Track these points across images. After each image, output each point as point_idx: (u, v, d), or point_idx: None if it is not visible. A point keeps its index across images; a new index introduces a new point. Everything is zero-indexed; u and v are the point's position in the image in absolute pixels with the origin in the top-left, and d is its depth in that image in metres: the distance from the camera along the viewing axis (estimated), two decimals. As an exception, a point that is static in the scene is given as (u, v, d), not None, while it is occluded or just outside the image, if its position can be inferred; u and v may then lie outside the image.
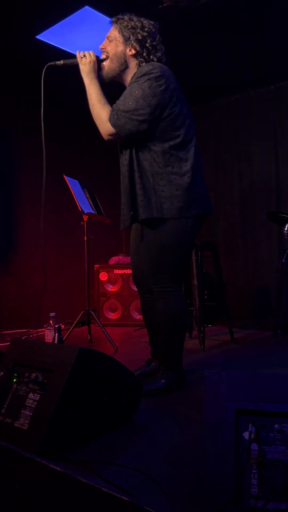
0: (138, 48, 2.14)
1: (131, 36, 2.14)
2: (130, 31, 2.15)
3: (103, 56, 2.21)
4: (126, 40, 2.16)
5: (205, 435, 1.10)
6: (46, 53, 3.71)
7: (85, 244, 3.70)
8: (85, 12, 3.16)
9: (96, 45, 3.50)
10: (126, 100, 2.05)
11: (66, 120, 4.96)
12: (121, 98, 2.10)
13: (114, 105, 2.11)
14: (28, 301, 4.55)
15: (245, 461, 1.03)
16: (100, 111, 2.12)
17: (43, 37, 3.48)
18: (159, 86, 2.04)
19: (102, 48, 2.23)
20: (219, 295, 3.70)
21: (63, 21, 3.27)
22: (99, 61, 2.19)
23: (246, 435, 1.07)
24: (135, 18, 2.19)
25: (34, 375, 1.62)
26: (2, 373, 1.72)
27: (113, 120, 2.07)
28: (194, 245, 3.36)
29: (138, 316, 4.64)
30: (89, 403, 1.61)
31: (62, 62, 2.23)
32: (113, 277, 4.72)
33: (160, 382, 2.21)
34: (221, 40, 3.65)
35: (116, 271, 4.71)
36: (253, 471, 1.02)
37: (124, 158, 2.20)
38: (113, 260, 4.81)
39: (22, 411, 1.56)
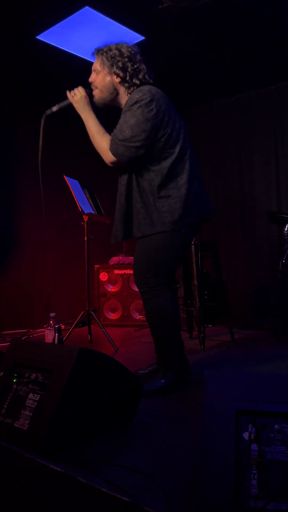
0: (121, 75, 2.26)
1: (114, 65, 2.26)
2: (111, 61, 2.27)
3: (93, 89, 2.33)
4: (110, 69, 2.27)
5: (205, 436, 1.10)
6: (46, 53, 3.71)
7: (85, 244, 3.70)
8: (85, 12, 3.16)
9: (96, 46, 3.51)
10: (122, 129, 2.16)
11: (66, 120, 4.96)
12: (118, 127, 2.20)
13: (112, 134, 2.21)
14: (28, 302, 4.55)
15: (245, 461, 1.03)
16: (100, 142, 2.24)
17: (44, 37, 3.48)
18: (151, 111, 2.14)
19: (91, 82, 2.35)
20: (219, 295, 3.70)
21: (63, 21, 3.27)
22: (89, 94, 2.33)
23: (246, 435, 1.07)
24: (113, 47, 2.29)
25: (34, 375, 1.62)
26: (2, 373, 1.72)
27: (113, 149, 2.18)
28: (188, 248, 3.41)
29: (138, 317, 4.64)
30: (89, 403, 1.61)
31: (57, 107, 2.39)
32: (113, 277, 4.72)
33: (159, 382, 2.23)
34: (221, 40, 3.65)
35: (116, 271, 4.71)
36: (253, 471, 1.02)
37: (123, 178, 2.28)
38: (113, 260, 4.81)
39: (22, 412, 1.56)
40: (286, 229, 3.46)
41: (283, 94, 4.39)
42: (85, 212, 3.61)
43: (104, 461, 1.45)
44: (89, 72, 2.38)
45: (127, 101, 2.21)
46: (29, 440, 1.47)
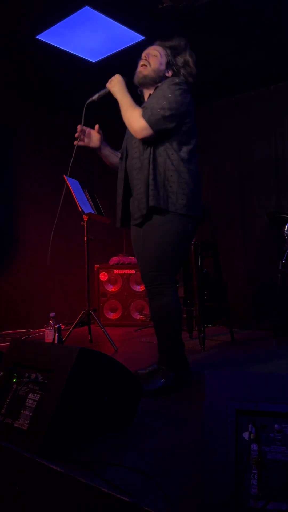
0: (174, 73, 2.44)
1: (173, 66, 2.44)
2: (172, 61, 2.44)
3: (145, 64, 2.41)
4: (168, 65, 2.43)
5: (205, 436, 1.10)
6: (46, 53, 3.71)
7: (85, 244, 3.70)
8: (85, 12, 3.15)
9: (96, 45, 3.50)
10: (159, 101, 2.26)
11: (66, 119, 4.96)
12: (153, 99, 2.30)
13: (146, 104, 2.32)
14: (28, 302, 4.55)
15: (245, 461, 1.03)
16: (133, 111, 2.30)
17: (43, 37, 3.48)
18: (186, 97, 2.32)
19: (144, 57, 2.42)
20: (219, 295, 3.70)
21: (63, 21, 3.26)
22: (125, 81, 2.41)
23: (246, 435, 1.07)
24: (183, 52, 2.46)
25: (34, 375, 1.62)
26: (2, 373, 1.72)
27: (147, 116, 2.25)
28: (189, 247, 3.44)
29: (138, 316, 4.64)
30: (89, 403, 1.61)
31: (96, 95, 2.45)
32: (113, 277, 4.72)
33: (159, 382, 2.23)
34: (221, 40, 3.65)
35: (116, 271, 4.71)
36: (253, 471, 1.02)
37: (146, 152, 2.32)
38: (113, 260, 4.81)
39: (22, 411, 1.56)
40: (285, 229, 3.46)
41: (283, 94, 4.39)
42: (85, 212, 3.61)
43: (104, 461, 1.45)
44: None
45: (165, 80, 2.37)
46: (29, 440, 1.47)
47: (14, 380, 1.68)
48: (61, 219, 4.85)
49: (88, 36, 3.49)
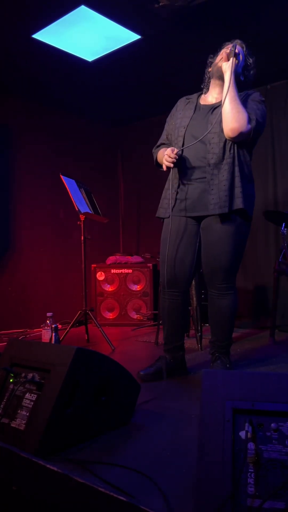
0: (242, 79, 2.52)
1: (245, 71, 2.52)
2: (247, 66, 2.52)
3: (236, 58, 2.43)
4: (243, 69, 2.51)
5: (202, 435, 1.10)
6: (42, 52, 3.70)
7: (82, 244, 3.69)
8: (81, 11, 3.15)
9: (93, 45, 3.50)
10: (258, 114, 2.38)
11: (65, 119, 4.96)
12: (253, 108, 2.40)
13: (252, 112, 2.38)
14: (25, 301, 4.55)
15: (242, 460, 1.03)
16: (243, 111, 2.33)
17: (39, 36, 3.47)
18: None
19: (238, 53, 2.44)
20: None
21: (59, 20, 3.25)
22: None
23: (242, 434, 1.07)
24: (251, 58, 2.55)
25: (31, 375, 1.62)
26: (-1, 373, 1.72)
27: (252, 124, 2.34)
28: None
29: (135, 316, 4.64)
30: (86, 403, 1.61)
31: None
32: (110, 276, 4.72)
33: (226, 367, 2.49)
34: (218, 39, 3.64)
35: (113, 271, 4.71)
36: (249, 470, 1.02)
37: (228, 155, 2.38)
38: (110, 259, 4.80)
39: (19, 411, 1.56)
40: (282, 228, 3.46)
41: (279, 93, 4.39)
42: (82, 212, 3.61)
43: (102, 461, 1.45)
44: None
45: (255, 94, 2.49)
46: (26, 440, 1.46)
47: (11, 380, 1.67)
48: (58, 218, 4.87)
49: (84, 35, 3.48)
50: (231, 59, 2.38)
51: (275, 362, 2.85)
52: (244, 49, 2.52)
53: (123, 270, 4.67)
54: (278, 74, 4.29)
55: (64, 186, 3.62)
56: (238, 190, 2.35)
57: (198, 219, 2.47)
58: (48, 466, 0.97)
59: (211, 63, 2.58)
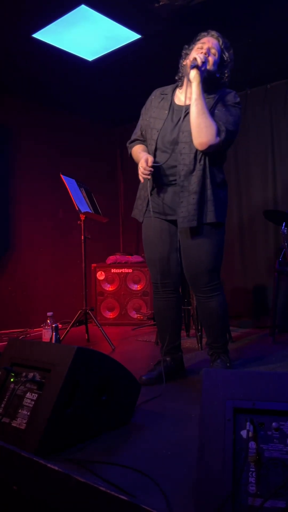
0: (225, 75, 2.43)
1: (226, 67, 2.42)
2: (226, 62, 2.41)
3: (207, 60, 2.33)
4: (220, 67, 2.40)
5: (203, 434, 1.10)
6: (42, 52, 3.70)
7: (82, 243, 3.69)
8: (81, 11, 3.15)
9: (93, 44, 3.50)
10: (229, 121, 2.31)
11: (65, 119, 4.95)
12: (223, 117, 2.31)
13: (220, 122, 2.29)
14: (25, 301, 4.55)
15: (243, 459, 1.03)
16: (211, 123, 2.25)
17: (39, 35, 3.47)
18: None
19: (208, 49, 2.36)
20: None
21: (59, 19, 3.25)
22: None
23: (243, 433, 1.07)
24: (231, 51, 2.43)
25: (32, 374, 1.62)
26: (-1, 373, 1.72)
27: (222, 136, 2.28)
28: None
29: (135, 315, 4.64)
30: (87, 402, 1.61)
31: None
32: (111, 276, 4.72)
33: (226, 366, 2.51)
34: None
35: (114, 270, 4.71)
36: (251, 469, 1.02)
37: (199, 164, 2.33)
38: (111, 259, 4.80)
39: (19, 411, 1.56)
40: (282, 227, 3.46)
41: (279, 93, 4.39)
42: (82, 211, 3.60)
43: (103, 461, 1.45)
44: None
45: (229, 96, 2.39)
46: (27, 440, 1.46)
47: (12, 380, 1.67)
48: (58, 218, 4.87)
49: (84, 35, 3.48)
50: (194, 71, 2.26)
51: (275, 362, 2.85)
52: (221, 42, 2.38)
53: (123, 270, 4.67)
54: (278, 74, 4.29)
55: (64, 185, 3.62)
56: (210, 204, 2.33)
57: (175, 222, 2.45)
58: (48, 465, 0.97)
59: (186, 54, 2.46)
